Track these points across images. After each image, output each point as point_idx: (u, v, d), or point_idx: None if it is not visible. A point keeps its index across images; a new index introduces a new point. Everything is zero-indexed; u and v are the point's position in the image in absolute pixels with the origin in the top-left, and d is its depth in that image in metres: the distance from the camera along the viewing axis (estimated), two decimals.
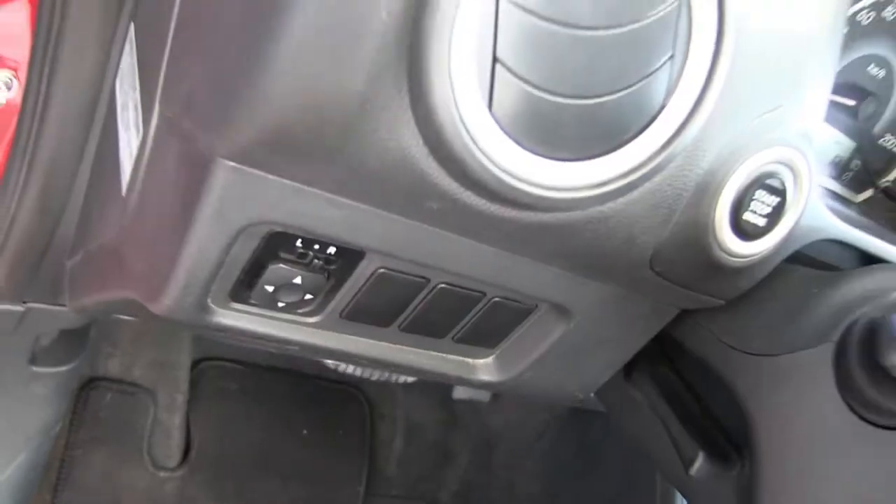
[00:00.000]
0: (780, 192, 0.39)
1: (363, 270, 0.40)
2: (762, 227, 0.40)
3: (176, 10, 0.36)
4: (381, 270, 0.40)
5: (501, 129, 0.30)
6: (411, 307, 0.43)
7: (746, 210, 0.39)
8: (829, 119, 0.58)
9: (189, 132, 0.33)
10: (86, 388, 0.96)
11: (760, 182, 0.38)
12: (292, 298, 0.40)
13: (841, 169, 0.62)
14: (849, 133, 0.60)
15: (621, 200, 0.35)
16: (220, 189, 0.33)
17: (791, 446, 0.43)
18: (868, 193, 0.64)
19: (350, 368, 1.03)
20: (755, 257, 0.41)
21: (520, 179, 0.31)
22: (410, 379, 1.12)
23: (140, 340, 0.99)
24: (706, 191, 0.37)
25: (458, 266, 0.40)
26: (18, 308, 0.66)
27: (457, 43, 0.29)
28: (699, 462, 0.48)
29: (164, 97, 0.36)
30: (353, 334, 0.44)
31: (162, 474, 1.04)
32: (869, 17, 0.56)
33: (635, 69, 0.31)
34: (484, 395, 1.28)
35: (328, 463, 1.17)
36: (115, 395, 0.97)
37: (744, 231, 0.39)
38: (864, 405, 0.39)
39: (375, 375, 1.08)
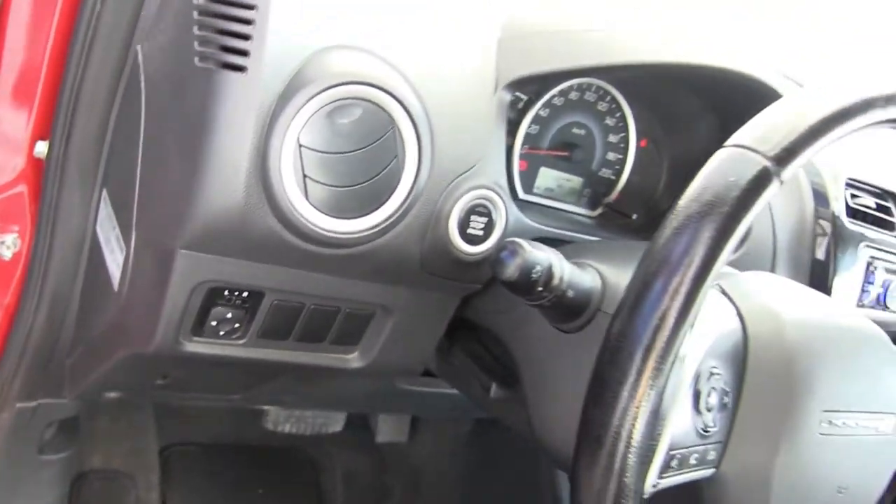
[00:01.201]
0: (487, 214, 0.71)
1: (265, 304, 0.69)
2: (481, 236, 0.71)
3: (137, 182, 0.66)
4: (275, 302, 0.69)
5: (315, 209, 0.61)
6: (298, 324, 0.72)
7: (468, 227, 0.70)
8: (557, 165, 0.90)
9: (158, 240, 0.63)
10: (77, 481, 1.20)
11: (473, 210, 0.70)
12: (227, 328, 0.69)
13: (577, 196, 0.92)
14: (574, 172, 0.91)
15: (389, 234, 0.66)
16: (180, 266, 0.62)
17: (534, 362, 0.72)
18: (600, 210, 0.96)
19: (287, 427, 1.30)
20: (483, 254, 0.72)
21: (330, 231, 0.62)
22: (338, 428, 1.38)
23: (116, 436, 1.23)
24: (440, 219, 0.68)
25: (317, 291, 0.70)
26: (32, 404, 0.91)
27: (285, 170, 0.60)
28: (493, 389, 0.78)
29: (138, 226, 0.66)
30: (267, 347, 0.73)
31: None
32: (573, 97, 0.87)
33: (377, 166, 0.63)
34: (402, 436, 1.53)
35: None
36: (101, 483, 1.21)
37: (471, 239, 0.70)
38: (553, 321, 0.69)
39: (309, 430, 1.35)
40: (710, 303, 0.60)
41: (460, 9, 0.73)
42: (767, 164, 0.50)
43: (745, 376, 0.59)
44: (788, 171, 0.51)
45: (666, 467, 0.54)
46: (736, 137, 0.52)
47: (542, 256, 0.58)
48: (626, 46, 0.78)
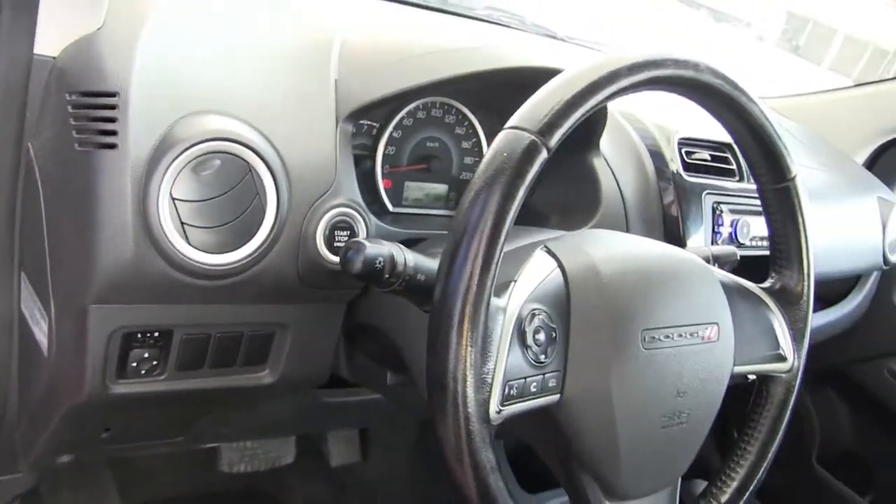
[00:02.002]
0: (349, 228, 0.83)
1: (176, 340, 0.80)
2: None
3: (48, 257, 0.77)
4: (184, 337, 0.80)
5: (197, 249, 0.73)
6: (209, 353, 0.83)
7: (334, 241, 0.82)
8: (419, 178, 1.02)
9: (72, 302, 0.74)
10: None
11: (336, 226, 0.81)
12: (147, 367, 0.80)
13: (444, 200, 1.04)
14: (437, 181, 1.03)
15: (266, 259, 0.77)
16: (94, 319, 0.73)
17: (413, 344, 0.81)
18: None
19: (241, 466, 1.40)
20: None
21: (213, 265, 0.74)
22: (290, 459, 1.48)
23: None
24: (308, 238, 0.79)
25: (219, 320, 0.81)
26: None
27: (164, 222, 0.71)
28: (389, 376, 0.90)
29: (55, 294, 0.77)
30: (186, 378, 0.83)
31: None
32: (420, 116, 1.00)
33: (243, 205, 0.74)
34: (355, 456, 1.62)
35: None
36: None
37: (338, 252, 0.82)
38: (417, 304, 0.72)
39: (263, 466, 1.44)
40: (534, 260, 0.73)
41: (297, 61, 0.86)
42: (534, 138, 0.63)
43: (569, 312, 0.71)
44: (553, 140, 0.64)
45: (507, 397, 0.65)
46: (510, 121, 0.65)
47: (383, 249, 0.70)
48: (448, 63, 0.90)
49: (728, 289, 0.86)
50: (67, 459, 1.03)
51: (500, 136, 0.64)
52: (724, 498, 0.88)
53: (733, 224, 1.18)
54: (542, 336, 0.68)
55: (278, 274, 0.79)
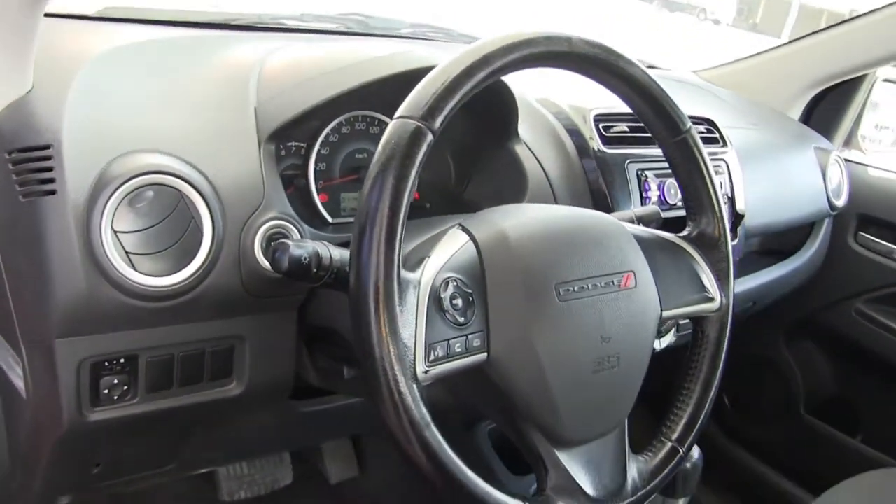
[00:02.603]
0: (285, 238, 0.90)
1: (142, 363, 0.87)
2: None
3: (11, 304, 0.84)
4: (149, 360, 0.87)
5: (144, 274, 0.80)
6: (175, 372, 0.89)
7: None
8: (353, 188, 1.08)
9: (39, 340, 0.81)
10: None
11: (271, 238, 0.88)
12: (119, 392, 0.86)
13: None
14: None
15: (211, 276, 0.84)
16: (61, 353, 0.80)
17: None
18: None
19: (241, 494, 1.45)
20: None
21: (161, 287, 0.81)
22: (288, 481, 1.53)
23: None
24: (247, 252, 0.86)
25: (178, 340, 0.88)
26: None
27: (109, 254, 0.78)
28: (346, 370, 0.97)
29: (23, 338, 0.84)
30: (158, 399, 0.90)
31: None
32: (345, 130, 1.08)
33: (180, 229, 0.81)
34: (353, 471, 1.66)
35: None
36: None
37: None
38: None
39: (263, 490, 1.49)
40: (448, 236, 0.80)
41: (218, 96, 0.94)
42: (418, 123, 0.70)
43: (484, 277, 0.78)
44: (437, 123, 0.71)
45: (432, 358, 0.72)
46: (397, 112, 0.72)
47: (308, 246, 0.77)
48: (356, 73, 0.97)
49: (647, 242, 0.93)
50: (66, 502, 1.08)
51: (389, 127, 0.72)
52: (674, 435, 0.94)
53: (660, 187, 1.26)
54: (458, 301, 0.75)
55: (224, 288, 0.86)
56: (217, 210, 0.84)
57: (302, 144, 1.04)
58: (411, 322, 0.71)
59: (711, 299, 0.97)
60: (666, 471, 0.92)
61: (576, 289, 0.81)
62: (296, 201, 1.01)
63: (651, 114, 0.92)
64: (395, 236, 0.68)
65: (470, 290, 0.76)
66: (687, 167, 0.96)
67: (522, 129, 1.16)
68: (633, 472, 0.88)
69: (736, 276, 1.59)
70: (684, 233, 0.99)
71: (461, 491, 0.72)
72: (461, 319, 0.74)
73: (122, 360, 0.86)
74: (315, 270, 0.77)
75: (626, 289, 0.86)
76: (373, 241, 0.68)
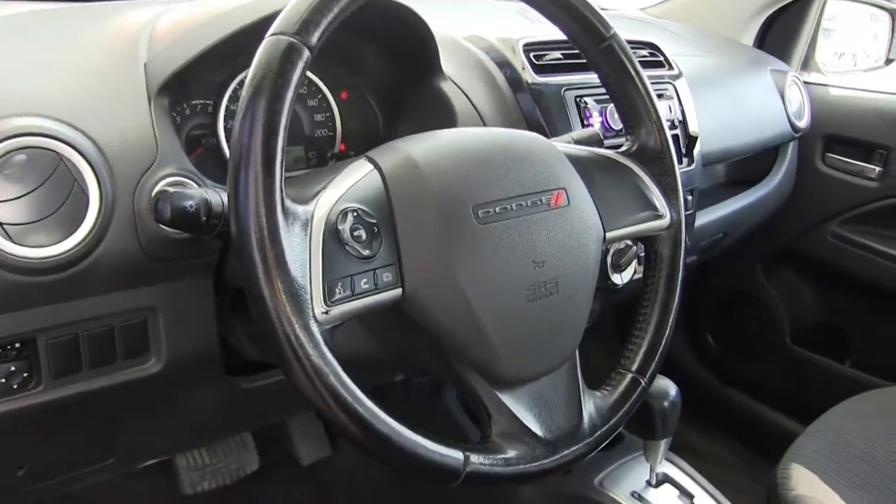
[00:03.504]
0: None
1: (41, 346, 0.79)
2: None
3: None
4: (49, 341, 0.80)
5: (25, 246, 0.72)
6: (83, 353, 0.82)
7: None
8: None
9: None
10: None
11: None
12: (18, 380, 0.79)
13: (305, 160, 1.06)
14: (291, 144, 1.04)
15: (104, 242, 0.77)
16: None
17: None
18: (331, 164, 1.09)
19: (205, 485, 1.38)
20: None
21: (46, 259, 0.72)
22: (255, 466, 1.47)
23: None
24: (143, 213, 0.78)
25: (80, 317, 0.80)
26: None
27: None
28: None
29: None
30: (67, 384, 0.82)
31: None
32: None
33: (62, 194, 0.74)
34: (326, 450, 1.61)
35: None
36: None
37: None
38: None
39: (229, 480, 1.43)
40: (349, 167, 0.73)
41: (105, 56, 0.87)
42: (291, 39, 0.63)
43: (391, 204, 0.71)
44: (313, 39, 0.64)
45: (334, 297, 0.65)
46: (269, 30, 0.65)
47: (193, 192, 0.70)
48: (247, 13, 0.88)
49: (582, 160, 0.86)
50: None
51: (261, 46, 0.64)
52: (633, 365, 0.87)
53: (602, 113, 1.19)
54: (361, 232, 0.68)
55: (122, 255, 0.79)
56: (103, 171, 0.77)
57: (208, 102, 0.97)
58: (303, 258, 0.63)
59: (660, 216, 0.90)
60: (627, 405, 0.85)
61: (497, 210, 0.74)
62: (207, 161, 0.94)
63: (573, 24, 0.86)
64: (274, 165, 0.61)
65: (374, 220, 0.69)
66: (616, 76, 0.89)
67: (449, 66, 1.09)
68: (589, 408, 0.81)
69: (703, 206, 1.55)
70: (623, 148, 0.93)
71: (386, 444, 0.65)
72: (366, 252, 0.67)
73: (17, 345, 0.78)
74: (206, 219, 0.70)
75: (557, 207, 0.79)
76: (249, 172, 0.61)
